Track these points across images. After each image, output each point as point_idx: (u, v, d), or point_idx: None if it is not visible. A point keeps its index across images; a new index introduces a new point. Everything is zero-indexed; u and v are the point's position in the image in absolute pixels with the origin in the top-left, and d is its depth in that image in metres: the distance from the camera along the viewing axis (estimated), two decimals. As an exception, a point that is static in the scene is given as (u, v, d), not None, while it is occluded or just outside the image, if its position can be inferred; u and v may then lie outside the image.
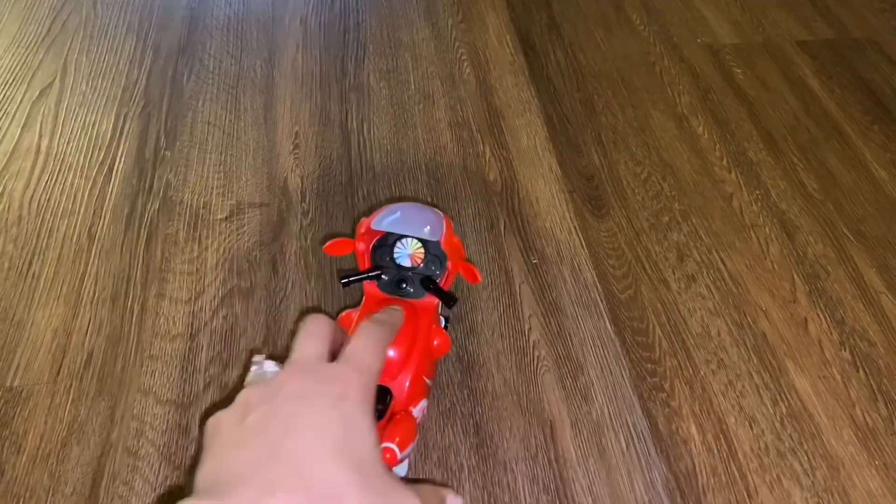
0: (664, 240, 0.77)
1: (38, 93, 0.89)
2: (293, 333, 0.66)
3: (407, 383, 0.54)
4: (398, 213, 0.60)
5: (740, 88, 0.94)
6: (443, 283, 0.61)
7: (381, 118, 0.89)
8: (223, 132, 0.86)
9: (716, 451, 0.60)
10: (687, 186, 0.82)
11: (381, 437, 0.49)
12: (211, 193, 0.79)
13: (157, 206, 0.77)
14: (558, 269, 0.73)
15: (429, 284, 0.59)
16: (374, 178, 0.82)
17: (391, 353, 0.54)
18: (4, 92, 0.89)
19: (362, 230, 0.61)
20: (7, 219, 0.75)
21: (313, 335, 0.45)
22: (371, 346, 0.45)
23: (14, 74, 0.91)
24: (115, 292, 0.69)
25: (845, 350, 0.68)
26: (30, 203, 0.77)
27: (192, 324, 0.67)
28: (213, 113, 0.88)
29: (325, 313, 0.53)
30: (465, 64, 0.97)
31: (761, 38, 1.02)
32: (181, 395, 0.62)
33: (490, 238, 0.76)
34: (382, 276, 0.61)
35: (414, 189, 0.81)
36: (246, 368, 0.64)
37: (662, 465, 0.59)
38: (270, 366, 0.48)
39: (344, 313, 0.61)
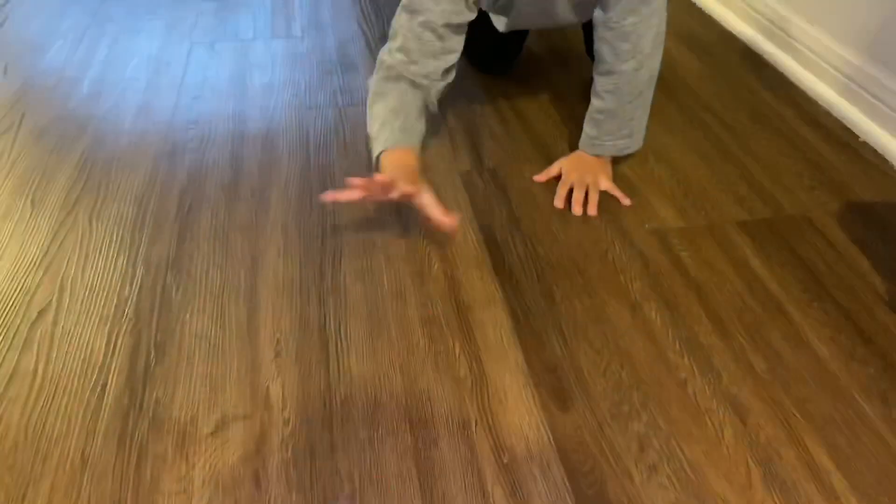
0: (625, 430, 0.81)
1: (35, 315, 0.95)
2: None
3: None
4: None
5: (688, 272, 1.02)
6: None
7: (356, 319, 0.95)
8: (209, 344, 0.92)
9: None
10: (644, 374, 0.88)
11: None
12: (198, 408, 0.84)
13: (146, 425, 0.82)
14: (528, 468, 0.77)
15: None
16: (351, 382, 0.87)
17: None
18: (4, 316, 0.95)
19: None
20: (4, 446, 0.79)
21: None
22: None
23: (13, 298, 0.98)
24: (105, 519, 0.72)
25: (802, 536, 0.71)
26: (26, 428, 0.81)
27: (179, 548, 0.70)
28: (200, 324, 0.94)
29: None
30: (434, 260, 1.05)
31: (704, 220, 1.11)
32: None
33: (463, 438, 0.81)
34: None
35: (389, 390, 0.86)
36: None
37: None
38: None
39: None
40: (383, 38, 1.63)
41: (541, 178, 1.21)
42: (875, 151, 1.27)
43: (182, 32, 1.68)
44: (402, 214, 1.13)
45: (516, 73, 1.51)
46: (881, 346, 0.91)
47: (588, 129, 1.20)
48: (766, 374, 0.88)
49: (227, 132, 1.33)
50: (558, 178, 1.19)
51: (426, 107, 1.13)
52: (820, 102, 1.40)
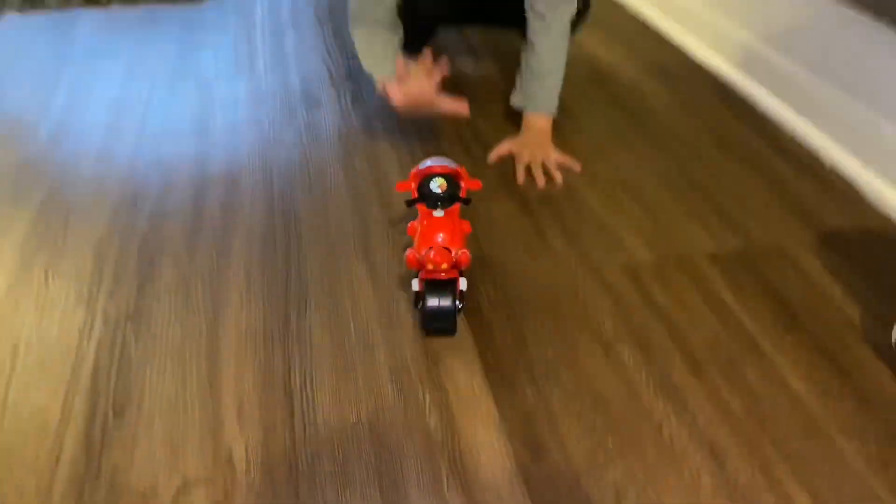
0: (601, 479, 0.79)
1: (-13, 379, 0.92)
2: None
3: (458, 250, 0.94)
4: (430, 162, 0.99)
5: (659, 308, 1.01)
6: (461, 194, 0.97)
7: (322, 372, 0.93)
8: (170, 403, 0.88)
9: None
10: (619, 418, 0.86)
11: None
12: (157, 474, 0.80)
13: (103, 494, 0.78)
14: (503, 526, 0.75)
15: (453, 198, 0.95)
16: (318, 439, 0.84)
17: (439, 237, 0.94)
18: (-46, 381, 0.91)
19: (411, 176, 0.98)
20: (-50, 525, 0.75)
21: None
22: None
23: (-36, 361, 0.94)
24: None
25: (785, 588, 0.69)
26: (-26, 504, 0.77)
27: None
28: (161, 383, 0.91)
29: None
30: (402, 304, 1.03)
31: (674, 253, 1.10)
32: None
33: (435, 497, 0.78)
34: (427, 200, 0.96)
35: (357, 447, 0.83)
36: None
37: None
38: None
39: (409, 224, 1.01)
40: (348, 74, 1.62)
41: (493, 157, 1.33)
42: (843, 178, 1.26)
43: (143, 73, 1.66)
44: (368, 252, 1.11)
45: (481, 102, 1.50)
46: (857, 380, 0.90)
47: (531, 88, 1.33)
48: (742, 414, 0.86)
49: (190, 175, 1.30)
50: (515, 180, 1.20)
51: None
52: (787, 130, 1.40)
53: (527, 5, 1.28)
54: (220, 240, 1.15)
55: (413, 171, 1.00)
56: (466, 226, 1.00)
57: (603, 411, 0.87)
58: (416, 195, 0.97)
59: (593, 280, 1.06)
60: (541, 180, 1.27)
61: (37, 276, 1.08)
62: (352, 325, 1.00)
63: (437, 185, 0.96)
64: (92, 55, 1.75)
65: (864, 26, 1.18)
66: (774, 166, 1.30)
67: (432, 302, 0.95)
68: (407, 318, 1.00)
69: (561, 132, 1.35)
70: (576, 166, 1.30)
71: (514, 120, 1.39)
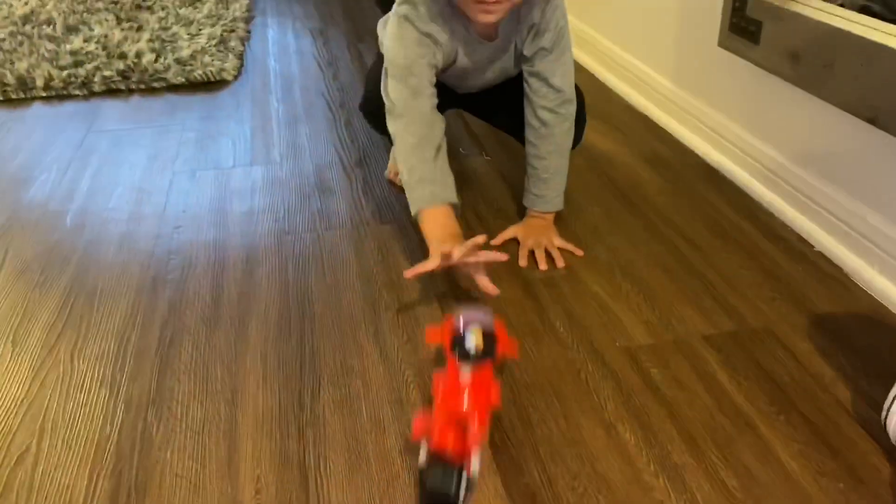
0: (605, 559, 0.82)
1: (15, 459, 0.96)
2: None
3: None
4: (470, 317, 0.97)
5: (658, 389, 1.05)
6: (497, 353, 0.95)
7: (335, 452, 0.96)
8: (190, 483, 0.92)
9: None
10: (621, 497, 0.89)
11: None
12: (178, 553, 0.84)
13: (126, 575, 0.81)
14: None
15: (485, 356, 0.92)
16: (333, 519, 0.88)
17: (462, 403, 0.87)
18: (-16, 462, 0.95)
19: (445, 325, 0.98)
20: None
21: None
22: None
23: (-6, 442, 0.98)
24: None
25: None
26: (3, 583, 0.81)
27: None
28: (181, 463, 0.95)
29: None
30: (412, 386, 1.07)
31: (671, 335, 1.15)
32: None
33: (444, 573, 0.81)
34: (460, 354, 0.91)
35: (370, 526, 0.87)
36: None
37: None
38: None
39: (434, 374, 0.95)
40: (359, 162, 1.71)
41: (497, 241, 1.39)
42: (830, 261, 1.33)
43: (164, 162, 1.75)
44: (379, 337, 1.16)
45: (482, 188, 1.57)
46: (848, 459, 0.94)
47: (538, 189, 1.39)
48: (738, 493, 0.89)
49: (208, 261, 1.37)
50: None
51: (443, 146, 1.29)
52: (776, 215, 1.47)
53: (528, 114, 1.35)
54: (237, 323, 1.20)
55: (449, 319, 0.98)
56: (495, 394, 0.91)
57: (606, 490, 0.90)
58: (449, 344, 0.93)
59: (595, 362, 1.11)
60: (543, 263, 1.33)
61: (63, 359, 1.13)
62: (364, 407, 1.04)
63: (474, 341, 0.91)
64: (115, 144, 1.85)
65: (850, 124, 1.26)
66: (765, 249, 1.37)
67: (433, 483, 0.82)
68: (418, 401, 1.05)
69: (559, 216, 1.42)
70: (577, 251, 1.36)
71: (517, 205, 1.46)
